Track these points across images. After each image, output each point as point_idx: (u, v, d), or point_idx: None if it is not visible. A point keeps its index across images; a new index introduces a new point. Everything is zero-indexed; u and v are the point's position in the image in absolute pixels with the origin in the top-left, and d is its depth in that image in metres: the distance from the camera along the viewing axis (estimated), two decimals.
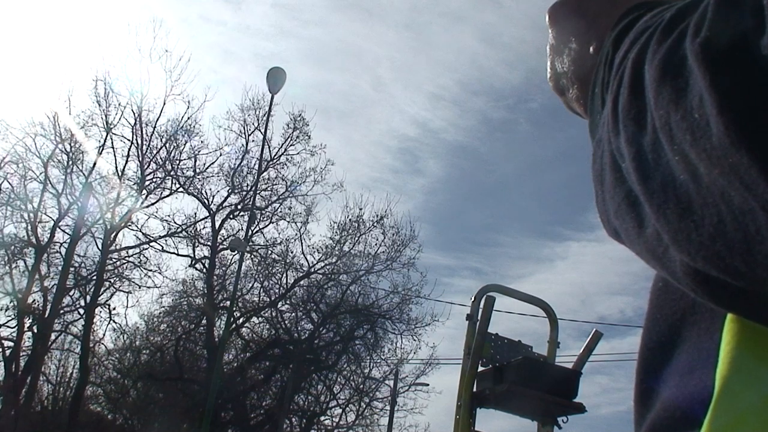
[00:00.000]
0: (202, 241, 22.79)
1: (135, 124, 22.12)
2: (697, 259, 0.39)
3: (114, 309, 22.35)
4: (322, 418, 23.49)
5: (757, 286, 0.37)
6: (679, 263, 0.41)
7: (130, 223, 22.31)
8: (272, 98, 16.98)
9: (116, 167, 21.99)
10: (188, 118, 22.44)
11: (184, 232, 22.68)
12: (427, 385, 23.51)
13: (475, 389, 4.60)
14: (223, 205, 22.96)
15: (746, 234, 0.36)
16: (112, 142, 21.96)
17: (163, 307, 23.04)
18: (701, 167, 0.37)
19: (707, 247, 0.38)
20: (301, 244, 23.31)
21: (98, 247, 21.72)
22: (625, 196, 0.45)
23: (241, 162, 22.82)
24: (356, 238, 22.90)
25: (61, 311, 21.87)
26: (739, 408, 0.41)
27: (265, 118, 21.24)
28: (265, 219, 22.80)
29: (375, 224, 22.92)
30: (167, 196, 22.49)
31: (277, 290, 22.83)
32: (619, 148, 0.45)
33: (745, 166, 0.35)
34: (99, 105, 21.87)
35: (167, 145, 22.42)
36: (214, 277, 22.27)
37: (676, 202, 0.40)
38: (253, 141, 22.66)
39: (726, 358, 0.43)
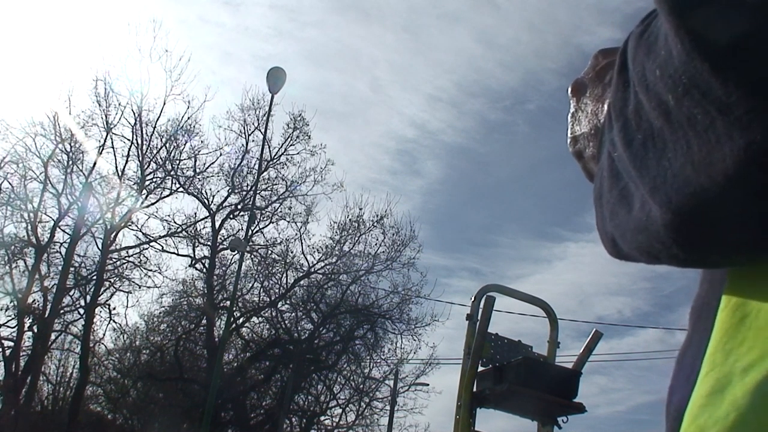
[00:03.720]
0: (202, 241, 22.81)
1: (135, 124, 22.15)
2: (671, 195, 0.41)
3: (114, 309, 22.41)
4: (322, 418, 23.52)
5: (721, 205, 0.39)
6: (660, 219, 0.43)
7: (130, 223, 22.34)
8: (272, 98, 16.95)
9: (116, 167, 22.03)
10: (188, 118, 22.48)
11: (184, 232, 22.70)
12: (427, 385, 23.53)
13: (475, 389, 4.59)
14: (223, 205, 22.99)
15: (709, 147, 0.39)
16: (112, 142, 22.00)
17: (163, 307, 23.09)
18: (670, 98, 0.41)
19: (679, 177, 0.41)
20: (301, 244, 23.38)
21: (98, 247, 21.76)
22: (619, 192, 0.48)
23: (241, 162, 22.85)
24: (356, 238, 22.92)
25: (61, 311, 21.87)
26: (725, 404, 0.41)
27: (265, 118, 21.25)
28: (265, 219, 22.82)
29: (375, 224, 22.95)
30: (167, 196, 22.53)
31: (277, 290, 22.86)
32: (612, 140, 0.48)
33: (699, 71, 0.38)
34: (99, 105, 21.92)
35: (167, 145, 22.45)
36: (214, 277, 22.27)
37: (654, 151, 0.43)
38: (253, 141, 22.68)
39: (709, 353, 0.44)
